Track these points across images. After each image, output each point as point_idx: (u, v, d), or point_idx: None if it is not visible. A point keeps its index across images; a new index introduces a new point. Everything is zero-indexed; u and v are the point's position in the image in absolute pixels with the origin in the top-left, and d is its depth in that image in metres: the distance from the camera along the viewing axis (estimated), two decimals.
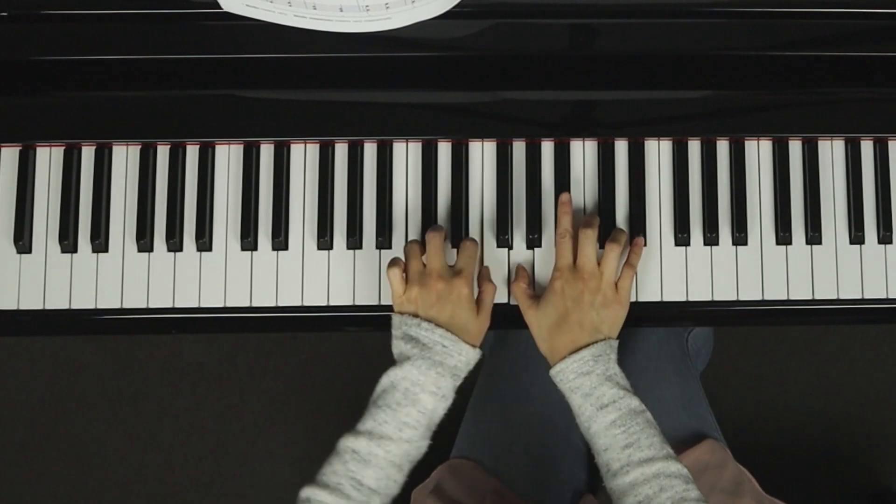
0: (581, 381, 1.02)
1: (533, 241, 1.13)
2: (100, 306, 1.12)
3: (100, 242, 1.12)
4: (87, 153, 1.14)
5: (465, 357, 1.03)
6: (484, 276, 1.10)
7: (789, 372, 1.88)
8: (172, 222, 1.13)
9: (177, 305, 1.12)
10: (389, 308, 1.10)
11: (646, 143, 1.14)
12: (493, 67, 1.14)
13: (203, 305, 1.12)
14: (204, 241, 1.12)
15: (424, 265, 1.07)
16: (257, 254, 1.13)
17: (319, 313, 1.13)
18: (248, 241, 1.12)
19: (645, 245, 1.13)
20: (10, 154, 1.14)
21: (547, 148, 1.14)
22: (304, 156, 1.14)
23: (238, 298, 1.12)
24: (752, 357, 1.89)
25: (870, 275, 1.13)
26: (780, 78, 1.14)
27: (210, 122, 1.13)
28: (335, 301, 1.12)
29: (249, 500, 1.87)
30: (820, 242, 1.13)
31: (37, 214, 1.13)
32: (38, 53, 1.12)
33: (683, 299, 1.13)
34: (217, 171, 1.14)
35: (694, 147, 1.15)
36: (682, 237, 1.13)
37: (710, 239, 1.13)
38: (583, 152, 1.14)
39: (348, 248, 1.13)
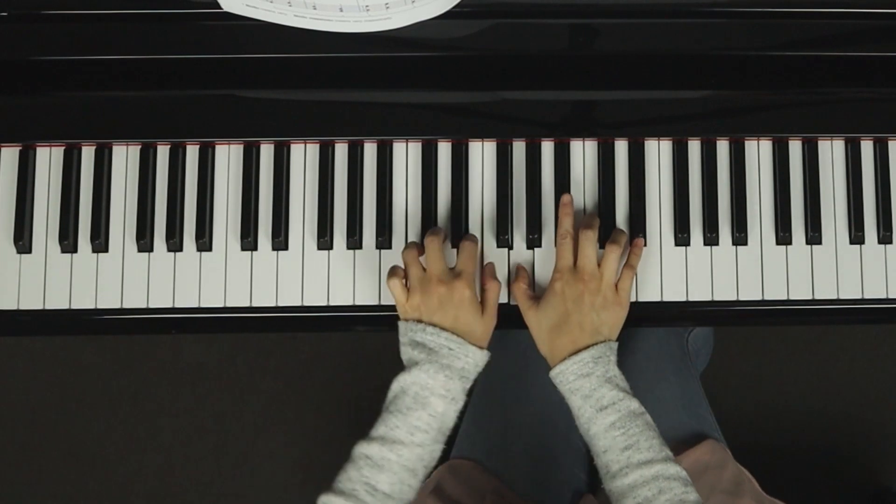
0: (581, 383, 1.02)
1: (533, 241, 1.13)
2: (100, 306, 1.12)
3: (100, 242, 1.12)
4: (87, 153, 1.14)
5: (473, 359, 1.03)
6: (487, 273, 1.10)
7: (789, 372, 1.88)
8: (172, 222, 1.13)
9: (177, 305, 1.12)
10: (390, 308, 1.10)
11: (646, 143, 1.14)
12: (493, 67, 1.14)
13: (203, 305, 1.12)
14: (204, 241, 1.12)
15: (425, 269, 1.07)
16: (257, 254, 1.13)
17: (319, 313, 1.13)
18: (248, 241, 1.12)
19: (645, 245, 1.13)
20: (10, 154, 1.14)
21: (547, 148, 1.14)
22: (304, 156, 1.14)
23: (238, 298, 1.12)
24: (752, 357, 1.89)
25: (870, 275, 1.13)
26: (780, 78, 1.14)
27: (210, 122, 1.13)
28: (335, 301, 1.12)
29: (249, 500, 1.88)
30: (820, 242, 1.13)
31: (37, 214, 1.13)
32: (38, 53, 1.12)
33: (683, 299, 1.13)
34: (217, 171, 1.14)
35: (694, 147, 1.15)
36: (682, 237, 1.13)
37: (710, 239, 1.13)
38: (583, 152, 1.14)
39: (348, 248, 1.13)
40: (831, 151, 1.15)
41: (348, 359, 1.88)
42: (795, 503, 1.24)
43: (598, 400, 1.01)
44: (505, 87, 1.14)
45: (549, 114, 1.14)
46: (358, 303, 1.12)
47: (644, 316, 1.13)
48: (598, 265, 1.07)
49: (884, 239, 1.13)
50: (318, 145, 1.14)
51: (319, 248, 1.13)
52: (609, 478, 1.00)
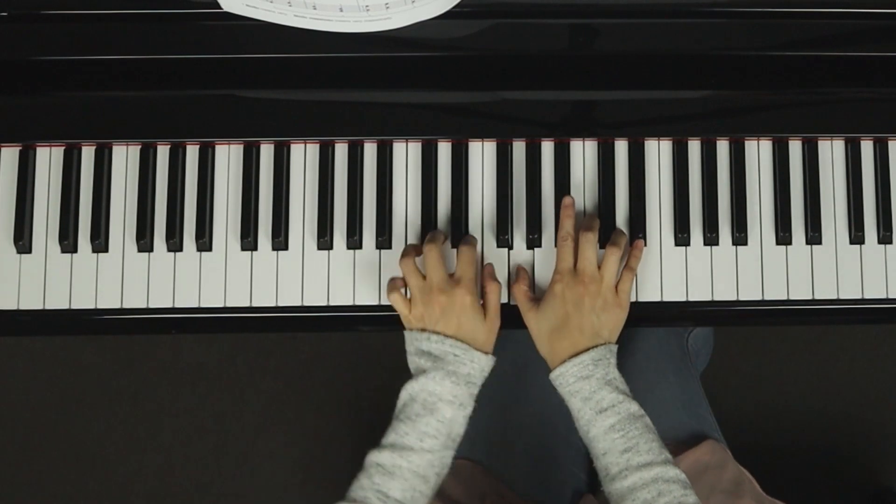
0: (580, 385, 1.03)
1: (533, 241, 1.13)
2: (100, 306, 1.12)
3: (100, 242, 1.12)
4: (87, 153, 1.14)
5: (479, 364, 1.04)
6: (487, 275, 1.10)
7: (789, 372, 1.88)
8: (172, 222, 1.13)
9: (177, 305, 1.12)
10: (390, 308, 1.10)
11: (646, 143, 1.14)
12: (493, 67, 1.14)
13: (203, 305, 1.12)
14: (204, 241, 1.12)
15: (425, 277, 1.07)
16: (257, 254, 1.13)
17: (319, 313, 1.13)
18: (248, 241, 1.12)
19: (645, 245, 1.13)
20: (10, 154, 1.14)
21: (547, 148, 1.14)
22: (304, 156, 1.14)
23: (238, 298, 1.12)
24: (752, 357, 1.89)
25: (870, 275, 1.13)
26: (780, 78, 1.14)
27: (210, 122, 1.13)
28: (335, 301, 1.12)
29: (249, 500, 1.88)
30: (820, 242, 1.13)
31: (37, 214, 1.13)
32: (38, 53, 1.12)
33: (683, 299, 1.13)
34: (217, 171, 1.14)
35: (694, 147, 1.15)
36: (682, 237, 1.13)
37: (710, 239, 1.13)
38: (583, 152, 1.14)
39: (348, 248, 1.13)
40: (831, 151, 1.15)
41: (348, 359, 1.88)
42: (795, 503, 1.24)
43: (597, 402, 1.02)
44: (505, 87, 1.14)
45: (549, 114, 1.14)
46: (358, 303, 1.12)
47: (644, 316, 1.13)
48: (598, 267, 1.07)
49: (884, 239, 1.13)
50: (318, 145, 1.14)
51: (319, 248, 1.13)
52: (608, 480, 1.00)
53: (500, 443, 1.25)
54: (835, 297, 1.13)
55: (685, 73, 1.14)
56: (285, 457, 1.87)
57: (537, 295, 1.11)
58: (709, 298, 1.13)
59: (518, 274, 1.11)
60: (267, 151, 1.14)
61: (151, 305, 1.12)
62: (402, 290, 1.07)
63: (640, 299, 1.12)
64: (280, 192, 1.13)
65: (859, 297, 1.13)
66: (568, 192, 1.13)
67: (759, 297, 1.13)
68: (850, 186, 1.14)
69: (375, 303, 1.12)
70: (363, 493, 0.98)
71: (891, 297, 1.13)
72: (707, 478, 1.19)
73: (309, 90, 1.14)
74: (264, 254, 1.13)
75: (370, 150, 1.14)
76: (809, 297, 1.13)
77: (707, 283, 1.13)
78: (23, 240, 1.12)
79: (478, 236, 1.13)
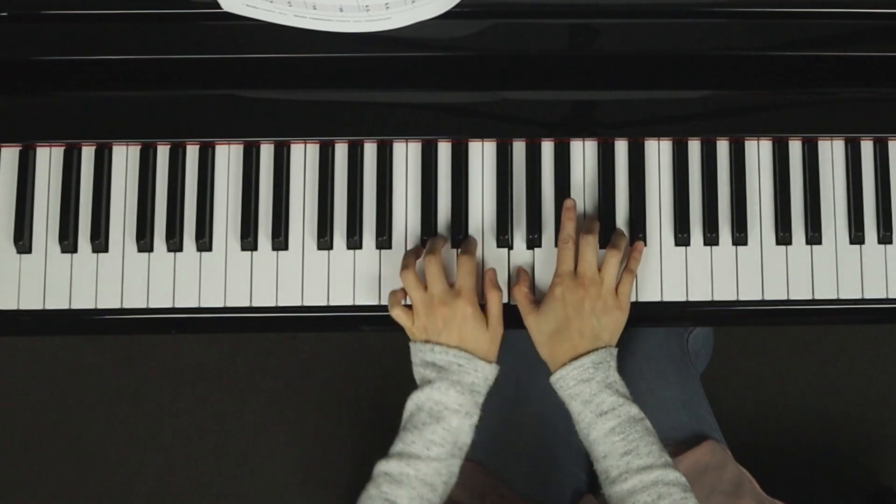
0: (581, 388, 1.03)
1: (533, 241, 1.13)
2: (100, 306, 1.12)
3: (100, 242, 1.12)
4: (87, 153, 1.14)
5: (482, 373, 1.04)
6: (488, 283, 1.10)
7: (789, 372, 1.88)
8: (172, 222, 1.13)
9: (177, 305, 1.12)
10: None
11: (646, 143, 1.14)
12: (493, 67, 1.14)
13: (203, 305, 1.12)
14: (204, 241, 1.12)
15: (426, 287, 1.07)
16: (257, 254, 1.13)
17: (319, 313, 1.13)
18: (248, 241, 1.12)
19: (645, 245, 1.13)
20: (10, 154, 1.14)
21: (547, 148, 1.14)
22: (304, 156, 1.14)
23: (238, 298, 1.12)
24: (752, 357, 1.89)
25: (870, 275, 1.13)
26: (780, 78, 1.14)
27: (210, 122, 1.13)
28: (335, 301, 1.12)
29: (249, 500, 1.87)
30: (820, 242, 1.13)
31: (37, 214, 1.13)
32: (38, 53, 1.12)
33: (683, 299, 1.13)
34: (217, 171, 1.14)
35: (694, 147, 1.15)
36: (682, 237, 1.13)
37: (710, 239, 1.13)
38: (583, 152, 1.14)
39: (348, 248, 1.13)
40: (831, 151, 1.15)
41: (348, 359, 1.88)
42: (795, 503, 1.24)
43: (597, 405, 1.02)
44: (505, 87, 1.14)
45: (549, 114, 1.14)
46: (358, 303, 1.12)
47: (644, 316, 1.13)
48: (598, 269, 1.07)
49: (884, 239, 1.13)
50: (318, 145, 1.14)
51: (319, 248, 1.13)
52: (608, 483, 1.01)
53: (500, 443, 1.25)
54: (835, 297, 1.13)
55: (685, 73, 1.14)
56: (285, 457, 1.87)
57: (537, 297, 1.11)
58: (709, 298, 1.13)
59: (519, 276, 1.11)
60: (267, 151, 1.14)
61: (151, 305, 1.12)
62: (403, 301, 1.08)
63: (640, 299, 1.12)
64: (280, 192, 1.13)
65: (859, 297, 1.13)
66: (568, 191, 1.13)
67: (759, 297, 1.13)
68: (850, 186, 1.14)
69: (375, 303, 1.12)
70: (371, 502, 0.99)
71: (891, 297, 1.13)
72: (707, 478, 1.19)
73: (309, 90, 1.14)
74: (264, 254, 1.13)
75: (370, 150, 1.14)
76: (809, 297, 1.13)
77: (707, 283, 1.13)
78: (23, 240, 1.12)
79: (478, 236, 1.13)
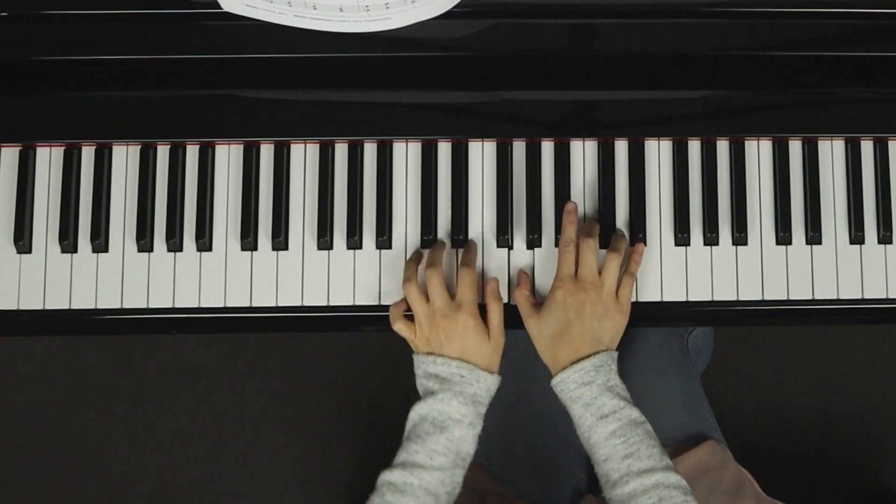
0: (582, 392, 1.03)
1: (533, 242, 1.13)
2: (100, 306, 1.12)
3: (100, 242, 1.12)
4: (87, 153, 1.14)
5: (484, 384, 1.05)
6: (489, 293, 1.09)
7: (789, 372, 1.88)
8: (172, 222, 1.13)
9: (177, 305, 1.12)
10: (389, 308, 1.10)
11: (646, 143, 1.14)
12: (493, 67, 1.14)
13: (203, 305, 1.12)
14: (204, 241, 1.12)
15: (428, 299, 1.07)
16: (257, 254, 1.13)
17: (319, 313, 1.13)
18: (248, 241, 1.12)
19: (645, 245, 1.13)
20: (10, 154, 1.14)
21: (547, 148, 1.14)
22: (304, 156, 1.14)
23: (238, 298, 1.12)
24: (752, 357, 1.89)
25: (870, 275, 1.13)
26: (780, 78, 1.14)
27: (210, 122, 1.13)
28: (335, 301, 1.12)
29: (249, 500, 1.87)
30: (820, 242, 1.13)
31: (37, 214, 1.13)
32: (38, 53, 1.12)
33: (683, 299, 1.13)
34: (217, 171, 1.14)
35: (694, 147, 1.15)
36: (682, 237, 1.13)
37: (710, 239, 1.13)
38: (583, 152, 1.14)
39: (348, 248, 1.13)
40: (831, 151, 1.15)
41: (348, 359, 1.88)
42: (795, 503, 1.23)
43: (598, 408, 1.02)
44: (505, 87, 1.14)
45: (549, 114, 1.14)
46: (358, 303, 1.12)
47: (644, 316, 1.13)
48: (599, 272, 1.07)
49: (884, 239, 1.13)
50: (318, 145, 1.14)
51: (319, 248, 1.13)
52: (609, 486, 1.01)
53: (500, 443, 1.25)
54: (835, 297, 1.13)
55: (685, 73, 1.14)
56: (285, 457, 1.87)
57: (537, 299, 1.11)
58: (709, 298, 1.13)
59: (519, 278, 1.11)
60: (267, 151, 1.14)
61: (151, 305, 1.12)
62: (403, 315, 1.08)
63: (641, 299, 1.12)
64: (280, 192, 1.13)
65: (859, 297, 1.13)
66: (568, 191, 1.13)
67: (759, 297, 1.13)
68: (850, 186, 1.14)
69: (375, 303, 1.12)
70: None
71: (891, 297, 1.13)
72: (707, 478, 1.19)
73: (309, 90, 1.14)
74: (264, 254, 1.13)
75: (370, 150, 1.14)
76: (809, 297, 1.13)
77: (707, 283, 1.13)
78: (23, 240, 1.12)
79: (478, 236, 1.13)
